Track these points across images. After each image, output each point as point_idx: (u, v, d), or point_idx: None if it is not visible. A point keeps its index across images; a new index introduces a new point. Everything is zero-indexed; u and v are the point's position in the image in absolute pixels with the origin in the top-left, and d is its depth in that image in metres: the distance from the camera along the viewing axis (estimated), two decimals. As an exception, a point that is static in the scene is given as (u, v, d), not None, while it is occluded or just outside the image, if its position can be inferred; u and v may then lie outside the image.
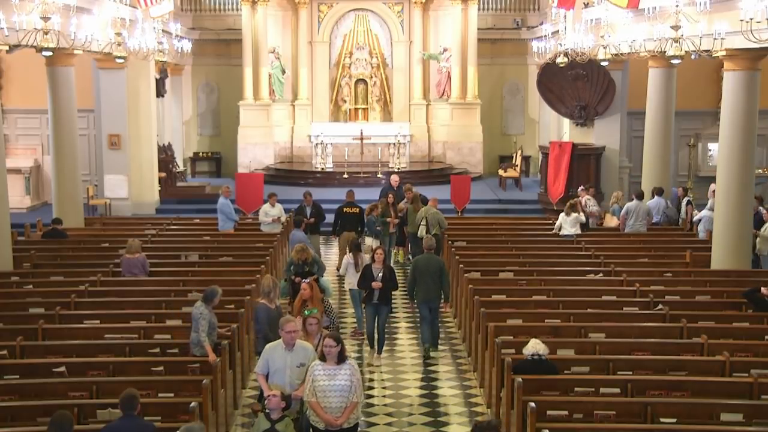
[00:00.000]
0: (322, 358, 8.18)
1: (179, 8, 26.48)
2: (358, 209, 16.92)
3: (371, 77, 27.86)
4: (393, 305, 13.42)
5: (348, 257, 13.50)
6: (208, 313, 10.04)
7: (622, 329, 11.01)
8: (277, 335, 9.54)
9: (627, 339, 10.61)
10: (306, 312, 9.65)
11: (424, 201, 17.28)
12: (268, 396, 8.10)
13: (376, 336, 12.43)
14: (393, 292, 12.67)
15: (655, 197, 18.06)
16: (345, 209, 16.98)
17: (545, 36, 19.60)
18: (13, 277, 13.66)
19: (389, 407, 10.65)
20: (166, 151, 24.19)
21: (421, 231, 16.33)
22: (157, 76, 23.18)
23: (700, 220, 16.75)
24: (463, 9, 26.76)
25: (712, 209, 15.79)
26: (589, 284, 13.51)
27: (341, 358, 8.12)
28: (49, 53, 13.51)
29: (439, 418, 10.37)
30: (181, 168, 26.16)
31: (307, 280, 11.18)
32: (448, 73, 27.49)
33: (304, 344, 8.73)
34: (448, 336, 13.56)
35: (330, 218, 17.51)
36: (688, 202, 18.38)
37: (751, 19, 10.75)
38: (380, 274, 12.18)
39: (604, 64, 18.12)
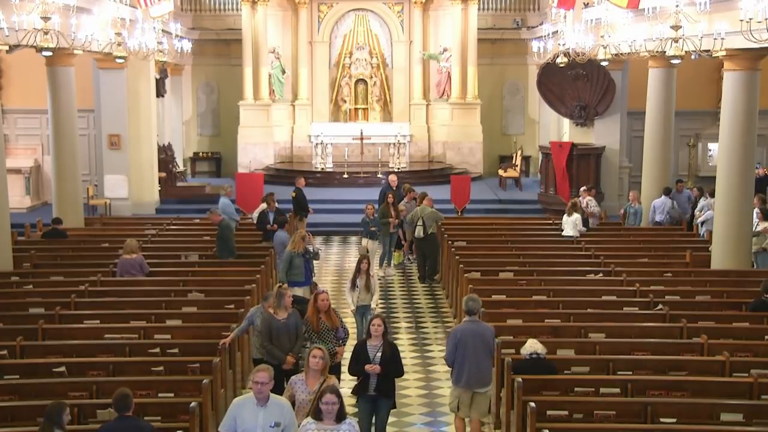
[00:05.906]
0: (317, 415, 6.87)
1: (179, 8, 26.46)
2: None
3: (371, 77, 27.84)
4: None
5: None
6: (251, 314, 10.12)
7: (622, 329, 11.01)
8: (279, 348, 9.52)
9: (627, 339, 10.62)
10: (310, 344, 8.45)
11: (422, 198, 17.30)
12: None
13: None
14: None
15: (662, 196, 18.06)
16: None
17: (545, 36, 19.55)
18: (13, 277, 13.66)
19: (389, 407, 10.64)
20: (166, 151, 24.18)
21: (419, 231, 16.45)
22: (157, 76, 23.17)
23: (704, 222, 16.73)
24: (463, 9, 26.74)
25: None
26: (589, 284, 13.52)
27: (341, 416, 6.86)
28: (49, 53, 13.53)
29: (439, 418, 10.36)
30: (181, 168, 26.15)
31: (324, 291, 10.27)
32: (448, 73, 27.48)
33: (280, 400, 7.27)
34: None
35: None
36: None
37: (751, 19, 10.76)
38: (378, 354, 8.75)
39: (604, 64, 18.10)
